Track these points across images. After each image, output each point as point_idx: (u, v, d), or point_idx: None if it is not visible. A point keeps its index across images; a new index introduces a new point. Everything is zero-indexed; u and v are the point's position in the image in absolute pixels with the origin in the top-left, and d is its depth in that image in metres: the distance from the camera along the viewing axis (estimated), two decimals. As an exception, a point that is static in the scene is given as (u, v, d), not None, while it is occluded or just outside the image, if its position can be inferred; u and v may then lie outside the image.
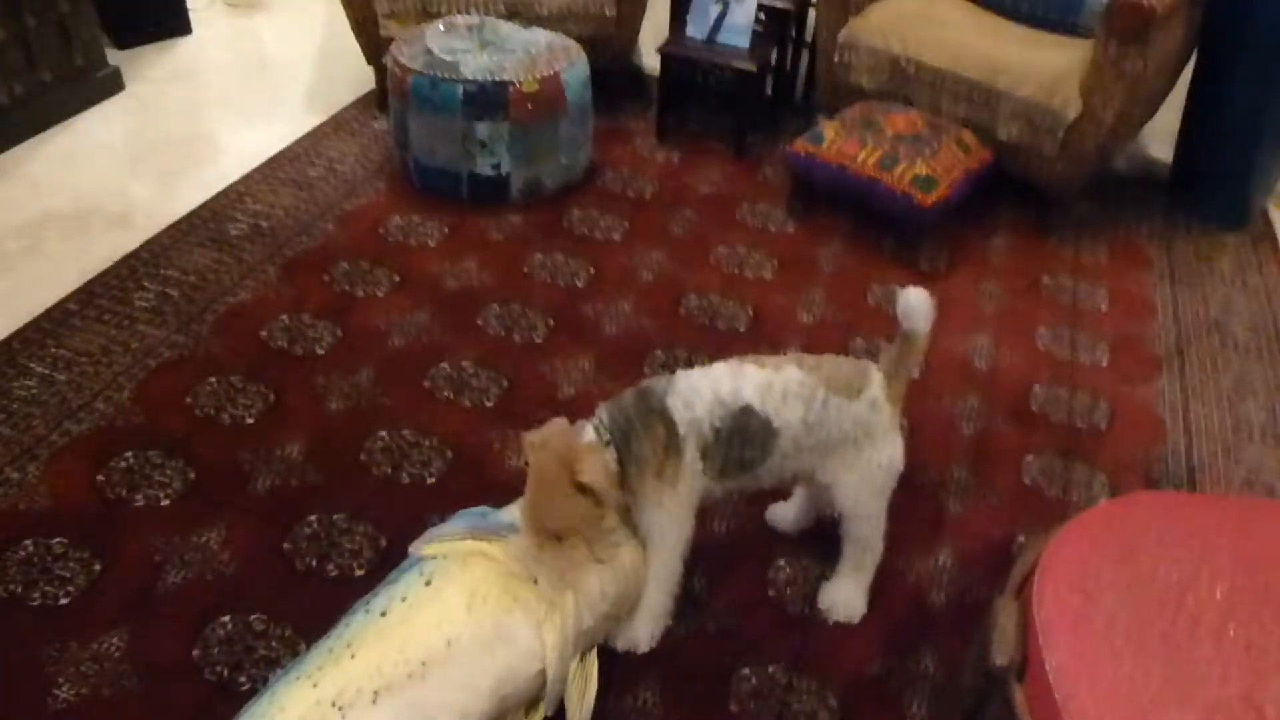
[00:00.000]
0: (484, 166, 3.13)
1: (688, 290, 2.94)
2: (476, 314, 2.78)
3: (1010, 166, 3.24)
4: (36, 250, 2.95)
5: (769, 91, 3.82)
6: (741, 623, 2.03)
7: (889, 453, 1.92)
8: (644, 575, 1.89)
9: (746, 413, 1.79)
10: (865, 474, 1.91)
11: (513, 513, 1.89)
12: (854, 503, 1.95)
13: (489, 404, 2.49)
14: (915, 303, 1.86)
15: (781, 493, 2.22)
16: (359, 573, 2.04)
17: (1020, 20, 3.45)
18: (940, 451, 2.46)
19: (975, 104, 3.18)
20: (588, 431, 1.77)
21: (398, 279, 2.89)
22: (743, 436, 1.80)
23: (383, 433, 2.38)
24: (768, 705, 1.89)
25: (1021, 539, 2.25)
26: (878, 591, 2.08)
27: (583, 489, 1.67)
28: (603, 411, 1.80)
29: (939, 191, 2.98)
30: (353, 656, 1.63)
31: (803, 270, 3.06)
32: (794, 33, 3.82)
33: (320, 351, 2.61)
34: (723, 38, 3.43)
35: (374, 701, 1.57)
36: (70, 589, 1.98)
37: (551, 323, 2.77)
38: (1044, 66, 3.08)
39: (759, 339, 2.76)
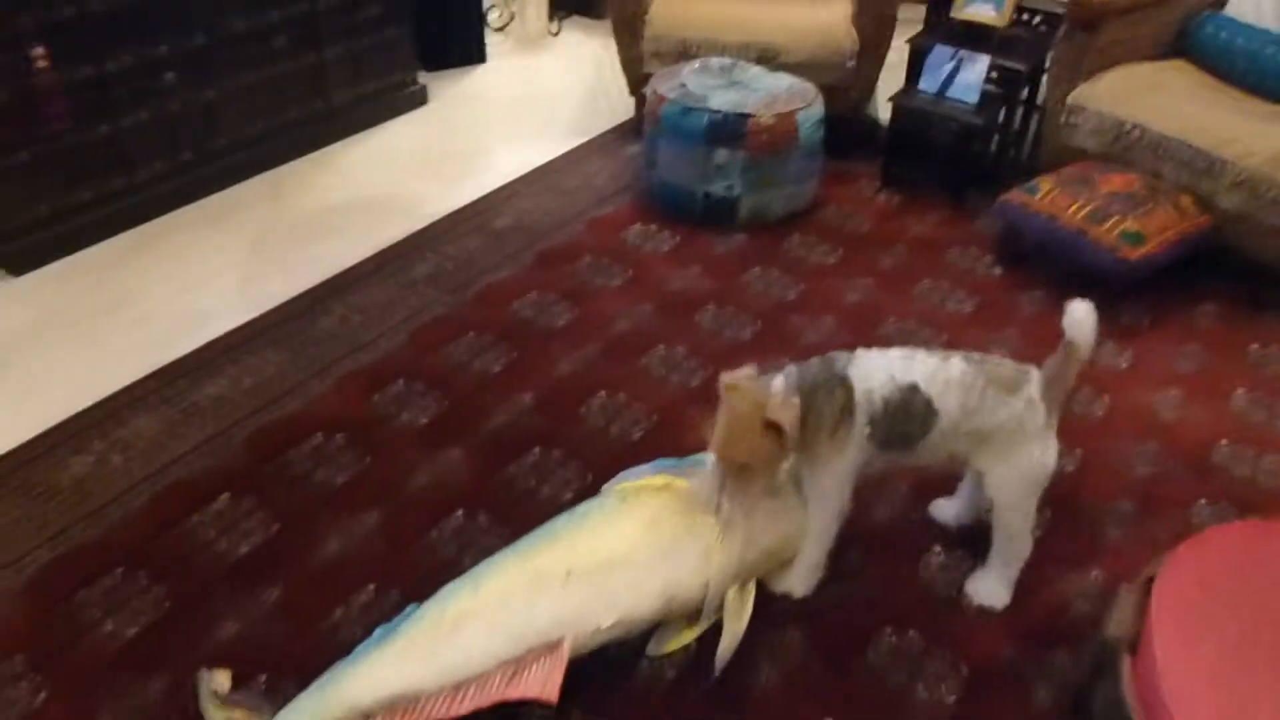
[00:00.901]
0: (718, 188, 3.52)
1: (888, 315, 3.18)
2: (694, 312, 3.15)
3: (1229, 238, 3.28)
4: (346, 224, 3.60)
5: (993, 149, 4.01)
6: (890, 594, 2.25)
7: (1041, 451, 2.09)
8: (803, 527, 2.17)
9: (913, 390, 2.03)
10: (1018, 467, 2.09)
11: (700, 461, 2.22)
12: (1005, 493, 2.13)
13: (693, 384, 2.84)
14: (1081, 315, 2.03)
15: (947, 488, 2.43)
16: (567, 496, 2.42)
17: (1262, 95, 3.47)
18: (1109, 485, 2.58)
19: (1197, 171, 3.26)
20: (778, 381, 2.05)
21: (630, 275, 3.31)
22: (906, 412, 2.04)
23: (601, 394, 2.78)
24: (902, 663, 2.10)
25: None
26: (1024, 591, 2.25)
27: (771, 427, 1.96)
28: (791, 368, 2.08)
29: (1147, 248, 3.08)
30: (556, 543, 2.03)
31: (1001, 311, 3.24)
32: (1026, 95, 4.00)
33: (559, 325, 3.06)
34: (953, 93, 3.67)
35: (566, 578, 1.94)
36: (345, 473, 2.48)
37: (759, 326, 3.10)
38: (1275, 137, 3.13)
39: (949, 365, 2.96)
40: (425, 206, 3.71)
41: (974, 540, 2.37)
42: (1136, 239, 3.09)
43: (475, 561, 2.21)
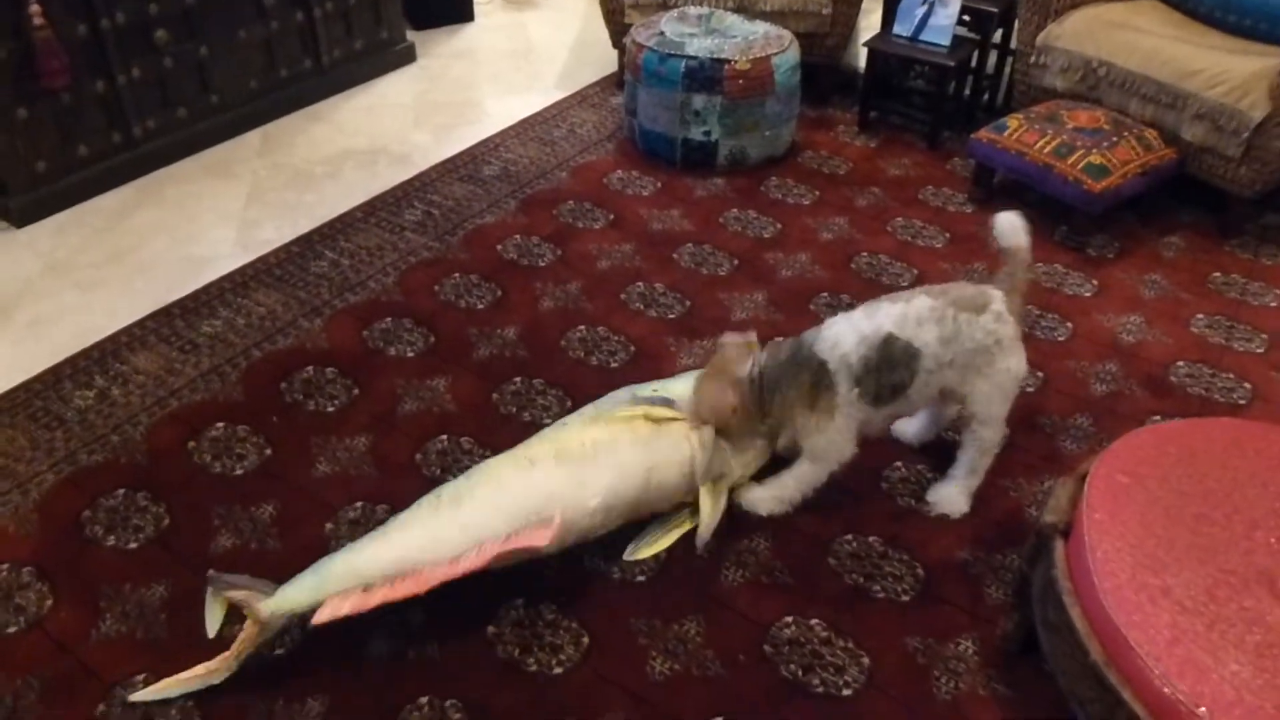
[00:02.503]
0: (696, 134, 3.61)
1: (861, 250, 3.29)
2: (673, 250, 3.26)
3: (1194, 169, 3.37)
4: (336, 175, 3.70)
5: (967, 92, 4.09)
6: (851, 505, 2.37)
7: (1015, 360, 2.21)
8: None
9: (889, 341, 2.14)
10: (996, 380, 2.20)
11: (671, 387, 2.34)
12: (984, 407, 2.24)
13: (671, 317, 2.95)
14: (1007, 222, 2.16)
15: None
16: (546, 421, 2.54)
17: (1226, 29, 3.54)
18: (1068, 403, 2.69)
19: (1162, 105, 3.35)
20: (747, 366, 2.19)
21: (612, 218, 3.42)
22: (889, 362, 2.14)
23: (581, 328, 2.89)
24: (862, 565, 2.22)
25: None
26: (981, 500, 2.36)
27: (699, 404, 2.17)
28: (767, 352, 2.23)
29: (1110, 180, 3.17)
30: (542, 440, 2.17)
31: (972, 247, 3.33)
32: (998, 37, 4.07)
33: (542, 265, 3.17)
34: (926, 35, 3.75)
35: (556, 462, 2.09)
36: (335, 403, 2.60)
37: (735, 263, 3.20)
38: (1238, 70, 3.20)
39: (918, 296, 3.07)
40: (414, 157, 3.82)
41: (932, 455, 2.48)
42: (1100, 172, 3.18)
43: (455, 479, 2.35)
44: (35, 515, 2.28)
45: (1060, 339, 2.92)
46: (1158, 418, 2.65)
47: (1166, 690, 1.52)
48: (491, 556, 1.95)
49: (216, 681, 1.90)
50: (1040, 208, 3.44)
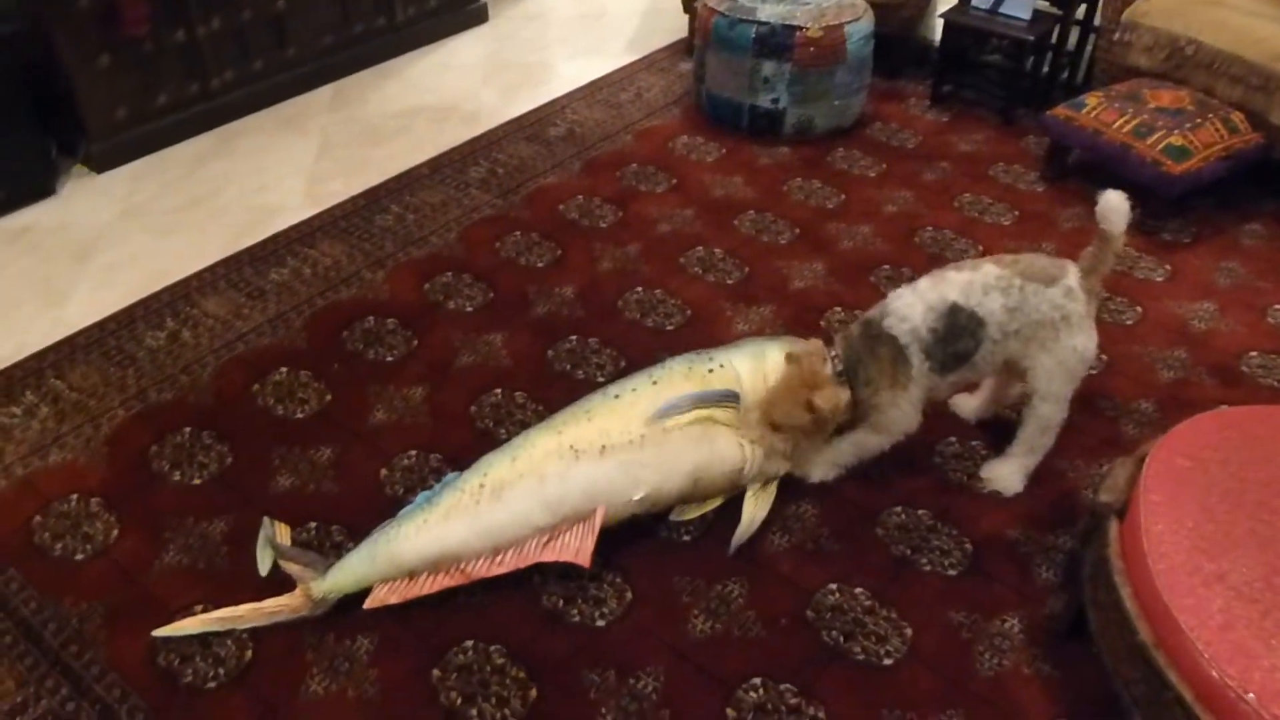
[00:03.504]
0: (764, 101, 3.58)
1: (925, 225, 3.24)
2: (734, 217, 3.24)
3: (1281, 155, 3.25)
4: (406, 131, 3.74)
5: (1045, 68, 3.98)
6: (903, 477, 2.35)
7: (1083, 340, 2.16)
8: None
9: (954, 310, 2.11)
10: (1061, 357, 2.15)
11: (734, 362, 2.31)
12: (1046, 383, 2.19)
13: (729, 283, 2.95)
14: (1114, 203, 2.08)
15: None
16: (599, 379, 2.56)
17: (1323, 13, 3.40)
18: (1133, 387, 2.63)
19: (1252, 87, 3.23)
20: (829, 365, 2.16)
21: (674, 183, 3.41)
22: (954, 331, 2.11)
23: (638, 289, 2.90)
24: (909, 537, 2.21)
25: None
26: (1036, 480, 2.33)
27: (812, 409, 2.11)
28: (839, 346, 2.20)
29: (1190, 163, 3.08)
30: (590, 420, 2.16)
31: (1041, 225, 3.26)
32: (1081, 12, 3.95)
33: (602, 226, 3.18)
34: (1005, 9, 3.66)
35: (601, 454, 2.08)
36: (394, 353, 2.65)
37: (796, 232, 3.18)
38: (1331, 55, 3.09)
39: (982, 273, 3.02)
40: (482, 116, 3.84)
41: (988, 433, 2.45)
42: (1181, 154, 3.09)
43: (511, 433, 2.38)
44: (105, 449, 2.36)
45: (1128, 323, 2.85)
46: (1225, 407, 2.58)
47: (1215, 674, 1.49)
48: (532, 562, 2.00)
49: (239, 629, 1.94)
50: (1115, 189, 3.35)
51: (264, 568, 2.03)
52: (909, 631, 2.01)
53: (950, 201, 3.36)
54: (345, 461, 2.34)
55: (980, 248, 3.13)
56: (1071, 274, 2.13)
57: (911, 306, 2.13)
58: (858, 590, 2.09)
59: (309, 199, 3.32)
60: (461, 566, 1.99)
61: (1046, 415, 2.23)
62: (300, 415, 2.45)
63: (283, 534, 2.11)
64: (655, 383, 2.23)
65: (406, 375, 2.58)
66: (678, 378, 2.24)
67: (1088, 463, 2.40)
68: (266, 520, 2.10)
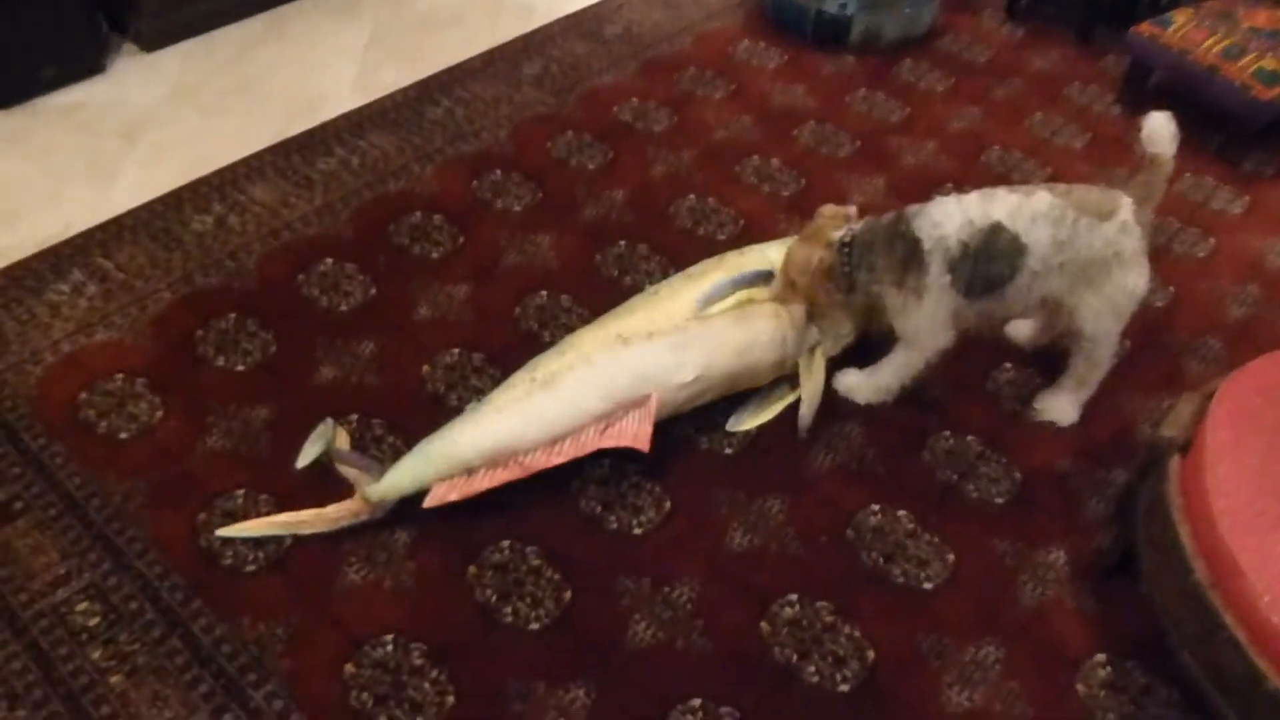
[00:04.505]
0: (831, 6, 3.42)
1: (993, 144, 3.11)
2: (794, 127, 3.13)
3: (1380, 85, 3.06)
4: (459, 22, 3.63)
5: (1135, -17, 3.77)
6: (954, 402, 2.29)
7: (1135, 277, 2.04)
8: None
9: (996, 230, 1.98)
10: (1110, 297, 2.04)
11: (767, 253, 2.29)
12: (1094, 324, 2.09)
13: (784, 194, 2.86)
14: (1160, 126, 1.95)
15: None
16: (648, 285, 2.50)
17: None
18: (1199, 322, 2.53)
19: (1354, 11, 3.03)
20: (840, 232, 2.09)
21: (733, 89, 3.29)
22: (990, 253, 1.98)
23: (691, 197, 2.82)
24: (957, 463, 2.16)
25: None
26: (1091, 413, 2.26)
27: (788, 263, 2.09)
28: (863, 225, 2.10)
29: (1282, 89, 2.91)
30: (633, 314, 2.13)
31: (1115, 151, 3.12)
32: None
33: (656, 130, 3.08)
34: (1095, -84, 3.45)
35: (648, 339, 2.06)
36: (440, 249, 2.61)
37: (858, 145, 3.06)
38: None
39: (1049, 197, 2.90)
40: (538, 10, 3.71)
41: (1046, 359, 2.37)
42: (1274, 78, 2.91)
43: (555, 336, 2.35)
44: (151, 330, 2.36)
45: (1200, 255, 2.73)
46: (1297, 347, 2.48)
47: (1275, 619, 1.44)
48: (591, 450, 1.96)
49: (303, 534, 1.93)
50: (1198, 115, 3.18)
51: (304, 460, 2.01)
52: (951, 557, 1.98)
53: (1020, 121, 3.22)
54: (388, 356, 2.32)
55: (1049, 170, 3.00)
56: (1126, 207, 2.00)
57: (950, 215, 2.01)
58: (900, 513, 2.05)
59: (359, 88, 3.25)
60: (520, 459, 1.96)
61: (1093, 353, 2.15)
62: (344, 308, 2.43)
63: (342, 439, 2.05)
64: (691, 277, 2.23)
65: (451, 272, 2.54)
66: (711, 268, 2.24)
67: (1146, 398, 2.33)
68: (329, 421, 2.04)
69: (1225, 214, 2.89)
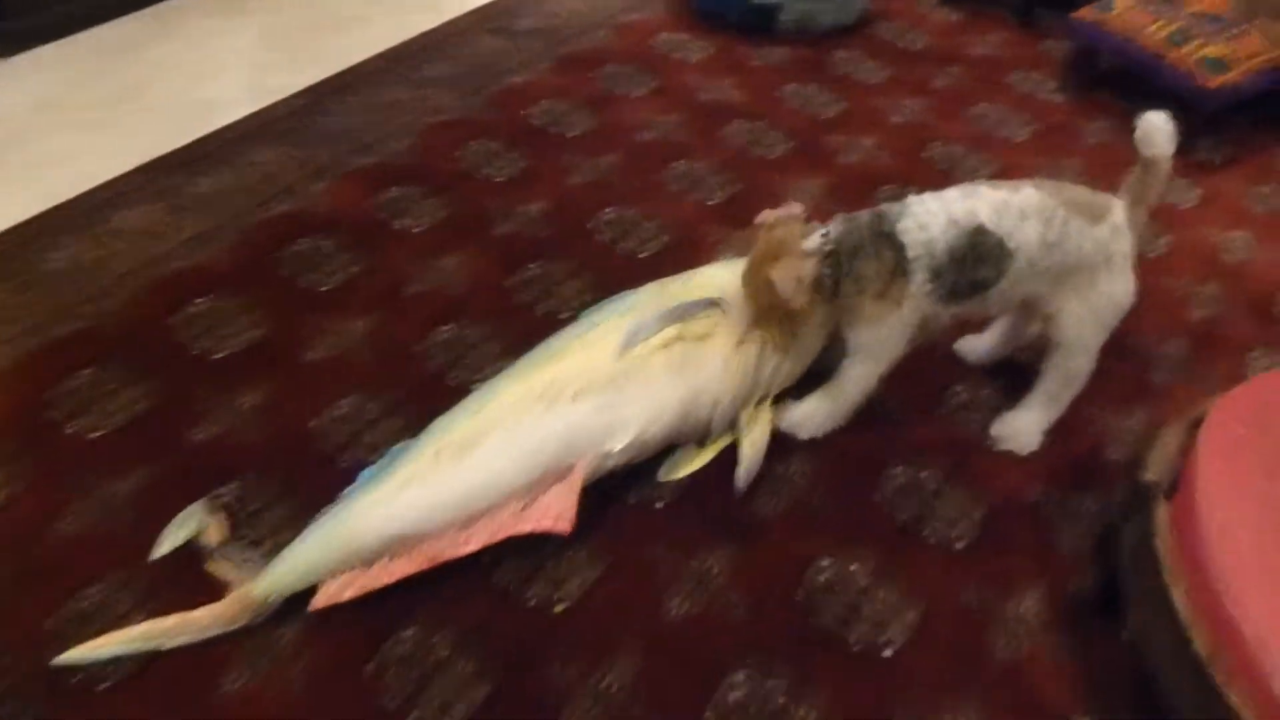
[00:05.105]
0: (758, -6, 3.20)
1: (935, 139, 2.92)
2: (722, 126, 2.90)
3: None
4: (359, 18, 3.34)
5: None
6: (905, 429, 2.09)
7: (1123, 285, 1.88)
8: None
9: (980, 233, 1.79)
10: (1095, 304, 1.88)
11: (713, 278, 2.03)
12: (1075, 333, 1.91)
13: (714, 202, 2.63)
14: (1156, 124, 1.78)
15: (974, 325, 2.23)
16: (563, 316, 2.25)
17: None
18: (1162, 325, 2.37)
19: (1301, -11, 2.89)
20: (815, 239, 1.84)
21: (657, 85, 3.05)
22: (976, 257, 1.80)
23: (612, 208, 2.58)
24: (910, 503, 1.96)
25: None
26: (1056, 432, 2.08)
27: (769, 283, 1.79)
28: (837, 224, 1.86)
29: (1228, 76, 2.76)
30: (557, 362, 1.87)
31: (1062, 141, 2.95)
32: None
33: (574, 134, 2.83)
34: (1030, -109, 3.27)
35: (575, 399, 1.79)
36: (335, 279, 2.33)
37: (792, 144, 2.85)
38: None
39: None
40: (443, 3, 3.44)
41: (1001, 378, 2.19)
42: (1218, 66, 2.76)
43: (464, 376, 2.10)
44: (-1, 386, 2.05)
45: (1157, 253, 2.57)
46: (1260, 350, 2.33)
47: (1290, 704, 1.26)
48: (505, 535, 1.71)
49: (166, 647, 1.62)
50: (1144, 101, 3.02)
51: (160, 551, 1.71)
52: (912, 615, 1.77)
53: (963, 112, 3.03)
54: (277, 407, 2.04)
55: (996, 165, 2.82)
56: (1118, 209, 1.84)
57: (934, 215, 1.81)
58: (854, 566, 1.84)
59: (250, 93, 2.94)
60: (425, 547, 1.69)
61: (1070, 366, 1.96)
62: (224, 353, 2.14)
63: (214, 531, 1.75)
64: (623, 315, 1.96)
65: (349, 304, 2.27)
66: (648, 298, 1.98)
67: (1114, 413, 2.15)
68: (195, 507, 1.77)
69: (1180, 206, 2.74)
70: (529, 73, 3.08)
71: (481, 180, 2.64)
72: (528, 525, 1.72)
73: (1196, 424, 1.62)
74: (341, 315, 2.24)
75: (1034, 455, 2.05)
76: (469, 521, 1.72)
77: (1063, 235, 1.80)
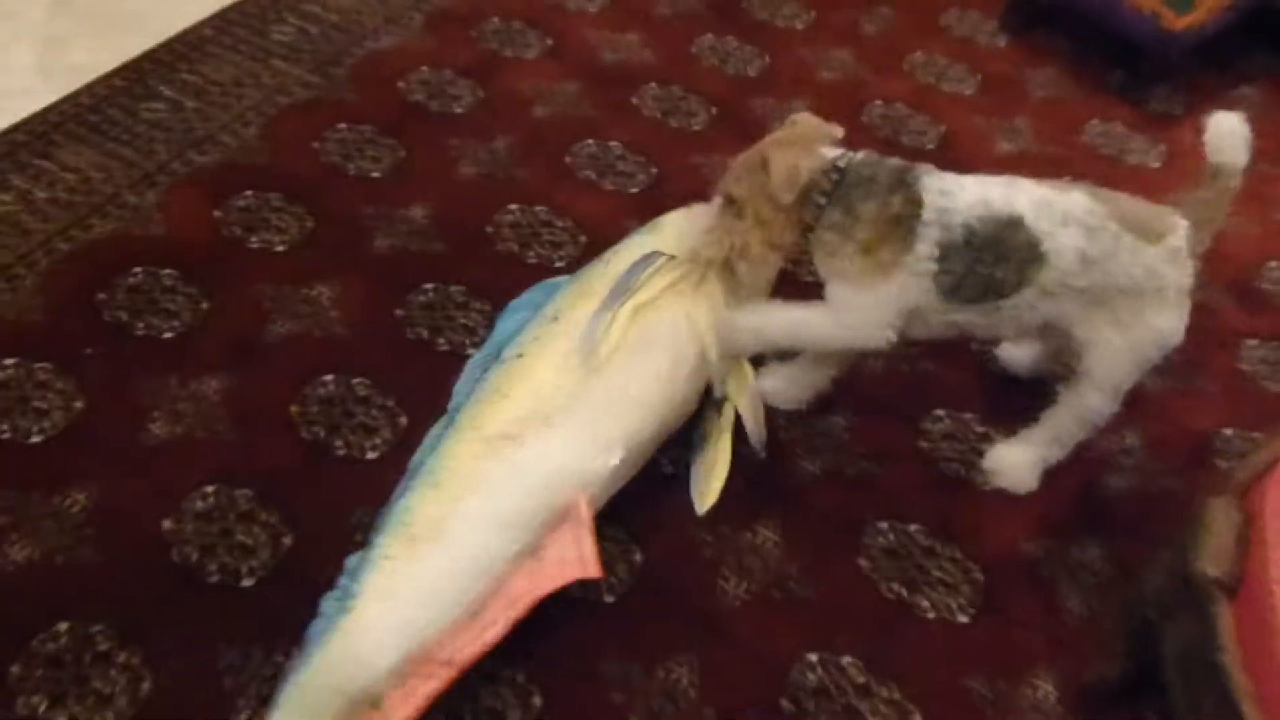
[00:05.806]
0: (661, -73, 2.76)
1: (873, 97, 2.58)
2: (632, 92, 2.50)
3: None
4: (180, -31, 2.77)
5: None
6: (884, 473, 1.80)
7: (1173, 320, 1.62)
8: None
9: (1013, 225, 1.52)
10: (1136, 340, 1.61)
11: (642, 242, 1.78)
12: (1106, 370, 1.64)
13: (633, 190, 2.25)
14: (1226, 128, 1.53)
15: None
16: (470, 351, 1.85)
17: None
18: (1143, 319, 2.11)
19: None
20: (829, 154, 1.60)
21: (550, 44, 2.61)
22: (997, 250, 1.53)
23: (514, 207, 2.17)
24: (902, 567, 1.67)
25: (1230, 432, 1.92)
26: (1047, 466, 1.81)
27: (764, 165, 1.59)
28: (861, 154, 1.61)
29: (1195, 16, 2.49)
30: (507, 396, 1.56)
31: (1009, 93, 2.65)
32: None
33: (458, 111, 2.38)
34: None
35: (546, 425, 1.52)
36: (176, 324, 1.87)
37: (714, 112, 2.47)
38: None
39: (946, 162, 2.36)
40: (285, -52, 2.88)
41: (989, 397, 1.91)
42: (1184, 4, 2.48)
43: (352, 447, 1.70)
44: None
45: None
46: (1254, 342, 2.11)
47: None
48: (531, 603, 1.40)
49: None
50: (1092, 44, 2.74)
51: None
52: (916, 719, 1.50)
53: (899, 64, 2.70)
54: (109, 508, 1.60)
55: (943, 127, 2.50)
56: (1179, 230, 1.56)
57: (964, 188, 1.56)
58: (845, 660, 1.55)
59: (41, 78, 2.37)
60: (438, 655, 1.34)
61: (1091, 407, 1.68)
62: (35, 439, 1.67)
63: None
64: (556, 319, 1.66)
65: (194, 358, 1.81)
66: (577, 297, 1.68)
67: (1105, 433, 1.87)
68: None
69: (1143, 169, 2.48)
70: (395, 34, 2.59)
71: (351, 178, 2.19)
72: (550, 582, 1.43)
73: (1243, 494, 1.36)
74: (187, 375, 1.78)
75: (1023, 496, 1.79)
76: (477, 610, 1.39)
77: (1108, 253, 1.53)
